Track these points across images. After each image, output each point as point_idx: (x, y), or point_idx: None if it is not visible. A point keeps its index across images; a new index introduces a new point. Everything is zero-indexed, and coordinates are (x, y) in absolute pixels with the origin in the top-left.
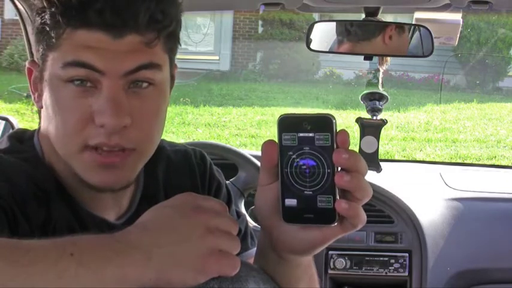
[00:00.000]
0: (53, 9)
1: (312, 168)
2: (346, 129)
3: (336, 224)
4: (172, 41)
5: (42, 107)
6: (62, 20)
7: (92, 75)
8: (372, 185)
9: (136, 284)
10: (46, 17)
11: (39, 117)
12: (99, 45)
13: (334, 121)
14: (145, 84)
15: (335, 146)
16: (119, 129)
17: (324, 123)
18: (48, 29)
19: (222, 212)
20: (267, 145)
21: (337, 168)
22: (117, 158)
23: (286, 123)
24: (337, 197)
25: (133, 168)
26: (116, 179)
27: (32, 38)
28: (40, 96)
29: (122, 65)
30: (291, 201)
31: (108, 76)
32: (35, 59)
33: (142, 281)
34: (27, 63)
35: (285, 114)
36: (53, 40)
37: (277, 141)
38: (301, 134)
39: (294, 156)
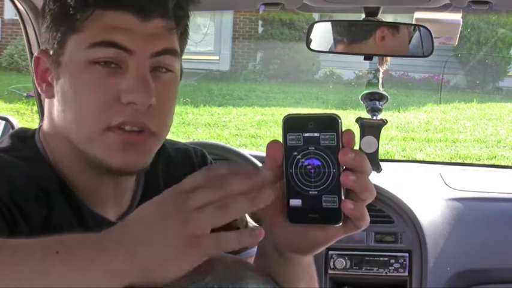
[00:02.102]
0: None
1: (317, 168)
2: (351, 129)
3: (341, 224)
4: (184, 36)
5: (52, 97)
6: (91, 1)
7: (120, 55)
8: None
9: (122, 280)
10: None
11: (40, 117)
12: (128, 26)
13: (339, 121)
14: (164, 70)
15: (341, 146)
16: (146, 106)
17: (330, 123)
18: (72, 12)
19: (202, 185)
20: (272, 145)
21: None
22: (139, 138)
23: (291, 124)
24: (343, 197)
25: (150, 151)
26: (136, 159)
27: (33, 38)
28: (49, 86)
29: (149, 45)
30: (295, 202)
31: (136, 56)
32: (45, 49)
33: (128, 278)
34: (36, 53)
35: (290, 114)
36: (77, 22)
37: (281, 141)
38: (306, 134)
39: (299, 157)
